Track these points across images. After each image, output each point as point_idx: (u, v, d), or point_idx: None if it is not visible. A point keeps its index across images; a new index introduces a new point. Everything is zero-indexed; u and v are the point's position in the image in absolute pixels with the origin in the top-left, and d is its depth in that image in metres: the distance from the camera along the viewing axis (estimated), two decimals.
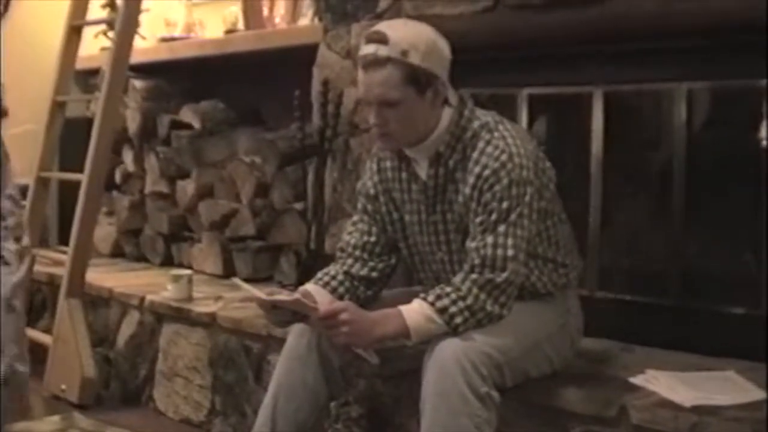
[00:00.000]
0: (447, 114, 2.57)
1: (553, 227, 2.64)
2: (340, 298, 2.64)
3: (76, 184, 4.15)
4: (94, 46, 5.16)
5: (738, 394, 2.47)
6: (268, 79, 4.59)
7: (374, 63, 2.47)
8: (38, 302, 4.71)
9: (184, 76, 5.11)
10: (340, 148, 3.72)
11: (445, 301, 2.41)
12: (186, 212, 4.72)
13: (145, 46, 5.16)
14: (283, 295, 2.59)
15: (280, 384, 2.63)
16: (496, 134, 2.51)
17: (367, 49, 2.49)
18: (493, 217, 2.45)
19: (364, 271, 2.73)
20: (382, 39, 2.46)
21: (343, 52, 3.71)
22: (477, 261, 2.44)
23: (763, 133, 2.86)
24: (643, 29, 2.93)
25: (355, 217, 2.82)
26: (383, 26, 2.53)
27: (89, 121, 4.26)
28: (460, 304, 2.40)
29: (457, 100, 2.60)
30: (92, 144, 4.11)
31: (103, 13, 4.99)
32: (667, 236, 3.10)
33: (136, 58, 4.42)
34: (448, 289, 2.44)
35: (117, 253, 5.17)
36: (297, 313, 2.51)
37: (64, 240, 4.77)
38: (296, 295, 2.52)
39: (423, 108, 2.52)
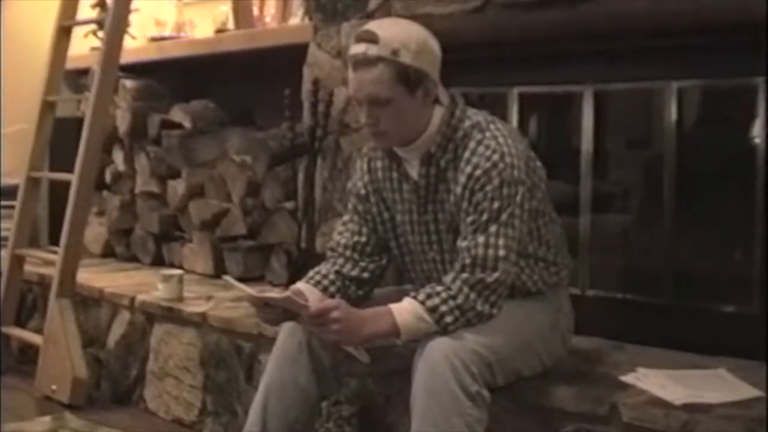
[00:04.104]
0: (438, 113, 2.56)
1: (544, 226, 2.64)
2: (332, 297, 2.63)
3: (67, 184, 4.14)
4: (84, 45, 5.16)
5: (729, 392, 2.48)
6: (259, 78, 4.59)
7: (364, 62, 2.46)
8: (29, 302, 4.70)
9: (175, 76, 5.11)
10: (331, 148, 3.72)
11: (436, 300, 2.41)
12: (177, 212, 4.72)
13: (136, 45, 5.16)
14: (274, 293, 2.59)
15: (270, 383, 2.63)
16: (487, 134, 2.51)
17: (357, 49, 2.48)
18: (485, 216, 2.45)
19: (355, 272, 2.72)
20: (372, 38, 2.46)
21: (333, 52, 3.71)
22: (468, 260, 2.44)
23: (755, 131, 2.86)
24: (633, 28, 2.94)
25: (346, 217, 2.82)
26: (373, 25, 2.52)
27: (79, 121, 4.26)
28: (451, 303, 2.40)
29: (448, 99, 2.59)
30: (82, 144, 4.10)
31: (93, 13, 5.00)
32: (657, 235, 3.10)
33: (126, 58, 4.41)
34: (439, 288, 2.44)
35: (108, 253, 5.16)
36: (288, 311, 2.51)
37: (54, 240, 4.76)
38: (287, 293, 2.53)
39: (414, 107, 2.51)
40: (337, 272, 2.71)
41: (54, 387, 3.89)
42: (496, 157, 2.46)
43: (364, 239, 2.75)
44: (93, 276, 4.48)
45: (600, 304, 3.19)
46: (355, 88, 2.52)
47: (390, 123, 2.51)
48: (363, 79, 2.48)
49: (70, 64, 4.68)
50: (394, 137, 2.57)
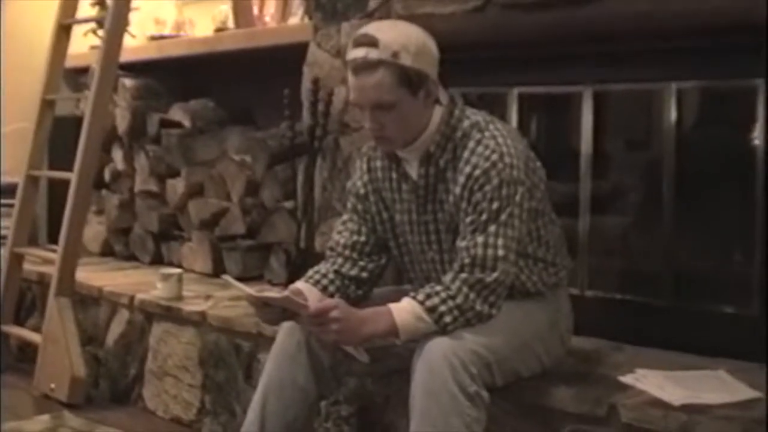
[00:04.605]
0: (437, 113, 2.56)
1: (544, 227, 2.64)
2: (331, 296, 2.63)
3: (66, 183, 4.14)
4: (84, 44, 5.16)
5: (728, 393, 2.48)
6: (258, 77, 4.59)
7: (366, 66, 2.45)
8: (28, 301, 4.70)
9: (174, 75, 5.11)
10: (330, 147, 3.72)
11: (435, 300, 2.40)
12: (176, 211, 4.71)
13: (135, 44, 5.16)
14: (274, 293, 2.59)
15: (269, 382, 2.63)
16: (486, 134, 2.51)
17: (357, 53, 2.47)
18: (484, 216, 2.45)
19: (354, 271, 2.72)
20: (371, 42, 2.45)
21: (333, 51, 3.71)
22: (467, 260, 2.44)
23: (755, 133, 2.86)
24: (632, 29, 2.93)
25: (345, 217, 2.82)
26: (371, 29, 2.51)
27: (79, 120, 4.26)
28: (450, 303, 2.40)
29: (447, 99, 2.59)
30: (82, 142, 4.10)
31: (93, 12, 5.00)
32: (657, 236, 3.10)
33: (125, 57, 4.41)
34: (438, 288, 2.44)
35: (107, 252, 5.16)
36: (287, 311, 2.51)
37: (53, 239, 4.77)
38: (286, 293, 2.53)
39: (416, 108, 2.51)
40: (337, 272, 2.71)
41: (53, 386, 3.89)
42: (495, 157, 2.46)
43: (363, 239, 2.75)
44: (92, 275, 4.48)
45: (599, 304, 3.19)
46: (358, 93, 2.50)
47: (394, 127, 2.51)
48: (365, 84, 2.47)
49: (70, 63, 4.68)
50: (399, 140, 2.56)
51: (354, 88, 2.51)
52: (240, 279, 2.94)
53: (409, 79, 2.45)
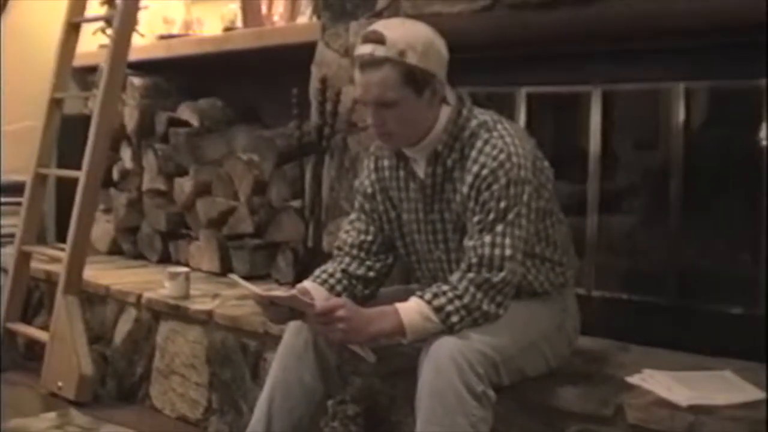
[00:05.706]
0: (445, 113, 2.56)
1: (552, 227, 2.63)
2: (338, 295, 2.63)
3: (74, 181, 4.15)
4: (93, 43, 5.16)
5: (734, 393, 2.47)
6: (267, 77, 4.59)
7: (371, 63, 2.46)
8: (35, 299, 4.70)
9: (183, 74, 5.11)
10: (338, 146, 3.72)
11: (442, 300, 2.40)
12: (184, 210, 4.72)
13: (144, 43, 5.16)
14: (280, 292, 2.59)
15: (276, 382, 2.63)
16: (494, 133, 2.51)
17: (364, 49, 2.47)
18: (491, 216, 2.45)
19: (361, 270, 2.72)
20: (379, 39, 2.45)
21: (341, 51, 3.71)
22: (474, 260, 2.44)
23: (762, 133, 2.86)
24: (641, 28, 2.93)
25: (353, 216, 2.82)
26: (380, 26, 2.51)
27: (87, 119, 4.27)
28: (457, 303, 2.40)
29: (455, 99, 2.59)
30: (90, 141, 4.11)
31: (102, 10, 5.00)
32: (664, 236, 3.10)
33: (134, 56, 4.41)
34: (445, 288, 2.43)
35: (114, 250, 5.17)
36: (294, 310, 2.50)
37: (61, 237, 4.77)
38: (293, 292, 2.53)
39: (421, 108, 2.51)
40: (344, 271, 2.71)
41: (60, 383, 3.90)
42: (503, 156, 2.46)
43: (370, 238, 2.75)
44: (99, 273, 4.49)
45: (606, 304, 3.19)
46: (362, 90, 2.51)
47: (397, 124, 2.51)
48: (370, 81, 2.47)
49: (78, 62, 4.68)
50: (402, 138, 2.56)
51: (359, 84, 2.51)
52: (247, 278, 2.95)
53: (414, 78, 2.45)
